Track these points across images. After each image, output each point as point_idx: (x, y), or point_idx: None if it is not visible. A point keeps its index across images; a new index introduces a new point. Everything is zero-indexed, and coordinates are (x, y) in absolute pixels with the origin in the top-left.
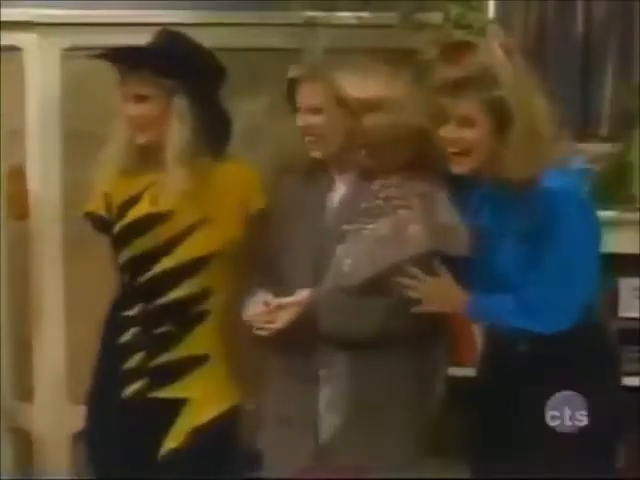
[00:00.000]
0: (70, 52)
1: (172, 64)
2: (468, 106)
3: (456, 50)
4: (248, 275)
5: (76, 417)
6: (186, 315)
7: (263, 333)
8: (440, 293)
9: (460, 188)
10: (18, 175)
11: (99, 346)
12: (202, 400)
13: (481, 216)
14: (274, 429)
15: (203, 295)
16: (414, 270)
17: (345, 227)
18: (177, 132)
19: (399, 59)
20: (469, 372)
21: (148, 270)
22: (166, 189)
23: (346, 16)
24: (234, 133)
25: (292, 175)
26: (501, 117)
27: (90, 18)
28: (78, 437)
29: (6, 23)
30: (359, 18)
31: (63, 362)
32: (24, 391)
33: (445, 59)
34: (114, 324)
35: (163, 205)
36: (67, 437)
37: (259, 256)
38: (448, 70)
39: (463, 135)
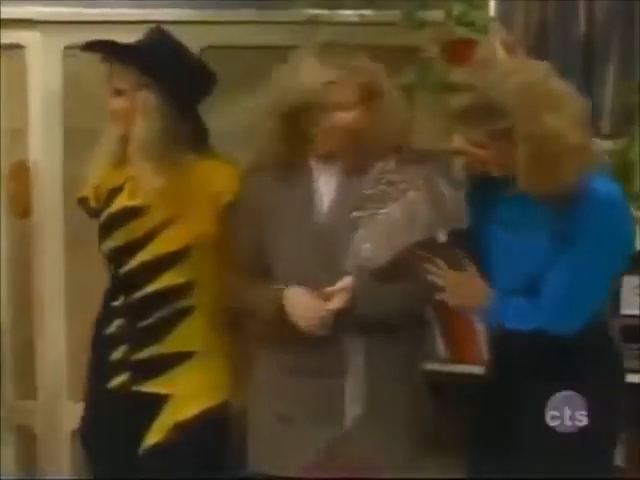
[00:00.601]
0: (72, 50)
1: (149, 61)
2: (477, 134)
3: (458, 48)
4: (232, 269)
5: (77, 415)
6: (170, 309)
7: (312, 326)
8: (465, 285)
9: (494, 183)
10: (20, 173)
11: (92, 338)
12: (186, 396)
13: (513, 212)
14: (276, 427)
15: (185, 289)
16: (439, 261)
17: (355, 214)
18: (140, 127)
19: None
20: (471, 369)
21: (127, 262)
22: (138, 184)
23: (348, 14)
24: (235, 131)
25: (268, 171)
26: (509, 142)
27: (92, 16)
28: (75, 433)
29: (8, 21)
30: (361, 16)
31: (65, 360)
32: (26, 389)
33: (447, 57)
34: (104, 315)
35: (139, 199)
36: (69, 435)
37: (249, 259)
38: (458, 100)
39: (477, 155)
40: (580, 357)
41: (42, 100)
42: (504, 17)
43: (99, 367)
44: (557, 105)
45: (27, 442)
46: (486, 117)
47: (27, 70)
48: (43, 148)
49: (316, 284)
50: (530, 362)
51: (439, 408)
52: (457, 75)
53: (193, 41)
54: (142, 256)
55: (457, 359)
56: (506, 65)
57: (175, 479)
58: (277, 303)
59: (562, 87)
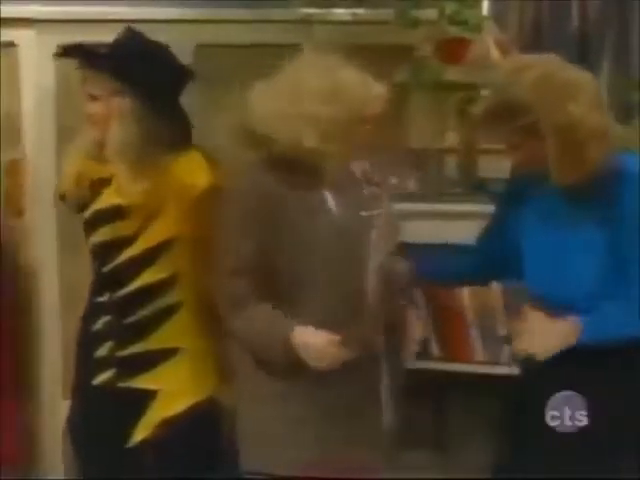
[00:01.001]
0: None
1: (122, 65)
2: (508, 133)
3: (451, 47)
4: (230, 277)
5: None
6: (155, 306)
7: (326, 366)
8: (549, 334)
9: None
10: (15, 171)
11: (78, 334)
12: (173, 392)
13: (556, 204)
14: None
15: (168, 285)
16: (517, 324)
17: (364, 214)
18: (116, 132)
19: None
20: (463, 368)
21: (113, 259)
22: (119, 186)
23: (342, 13)
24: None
25: (272, 171)
26: (538, 137)
27: (86, 15)
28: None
29: (2, 19)
30: (355, 15)
31: (60, 360)
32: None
33: (440, 56)
34: (90, 311)
35: (122, 199)
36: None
37: (251, 264)
38: (479, 105)
39: (516, 157)
40: (580, 356)
41: (35, 98)
42: (498, 16)
43: (85, 364)
44: (575, 92)
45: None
46: (510, 116)
47: (20, 68)
48: (36, 146)
49: (338, 284)
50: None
51: (434, 406)
52: (451, 74)
53: (186, 39)
54: (127, 253)
55: (450, 358)
56: (518, 62)
57: (163, 475)
58: (286, 345)
59: (576, 73)
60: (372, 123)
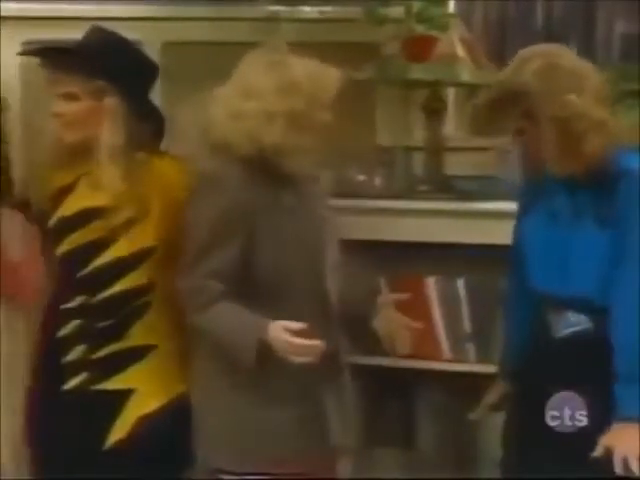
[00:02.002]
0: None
1: (102, 64)
2: (510, 120)
3: (418, 44)
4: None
5: None
6: (129, 308)
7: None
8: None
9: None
10: None
11: (36, 341)
12: (147, 390)
13: (560, 202)
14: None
15: (146, 288)
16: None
17: (321, 211)
18: (109, 132)
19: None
20: (430, 365)
21: (89, 263)
22: (102, 186)
23: (309, 10)
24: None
25: (238, 178)
26: (538, 122)
27: (51, 12)
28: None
29: None
30: (322, 12)
31: None
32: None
33: (407, 53)
34: (53, 318)
35: (99, 200)
36: None
37: (230, 267)
38: (482, 94)
39: (518, 143)
40: (580, 356)
41: None
42: (463, 14)
43: (51, 370)
44: (578, 84)
45: None
46: (514, 101)
47: None
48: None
49: (305, 283)
50: (531, 362)
51: (401, 403)
52: (418, 71)
53: (153, 37)
54: (104, 257)
55: (416, 355)
56: (523, 52)
57: (139, 475)
58: (260, 342)
59: (581, 64)
60: (330, 108)
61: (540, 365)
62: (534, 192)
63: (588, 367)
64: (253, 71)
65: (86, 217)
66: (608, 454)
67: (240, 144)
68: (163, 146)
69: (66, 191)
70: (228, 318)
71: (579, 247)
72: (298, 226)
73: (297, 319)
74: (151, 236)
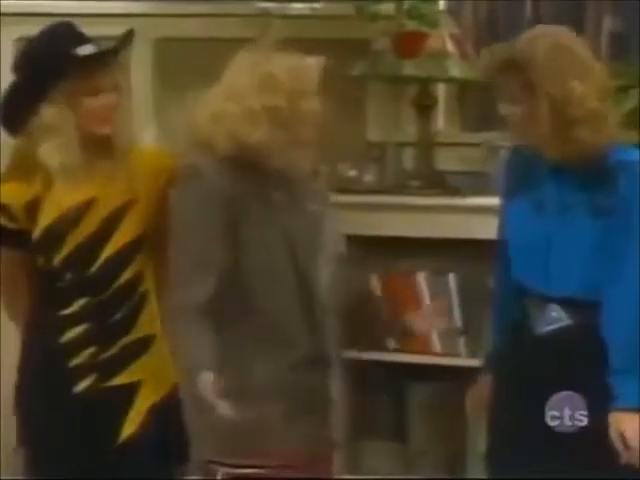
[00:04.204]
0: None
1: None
2: (508, 87)
3: (408, 40)
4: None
5: None
6: (134, 297)
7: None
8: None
9: (526, 164)
10: None
11: (27, 349)
12: (153, 380)
13: (552, 189)
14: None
15: (143, 276)
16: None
17: (314, 207)
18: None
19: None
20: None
21: (95, 260)
22: (117, 179)
23: (300, 7)
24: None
25: (223, 175)
26: (536, 97)
27: (44, 8)
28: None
29: None
30: (313, 9)
31: None
32: None
33: (398, 49)
34: (49, 325)
35: (86, 194)
36: None
37: (214, 260)
38: (494, 53)
39: (510, 111)
40: (580, 355)
41: None
42: (453, 11)
43: (55, 376)
44: (584, 72)
45: None
46: (517, 69)
47: None
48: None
49: (291, 280)
50: (530, 362)
51: (393, 397)
52: (407, 67)
53: (146, 33)
54: (106, 253)
55: (407, 349)
56: (540, 28)
57: (152, 466)
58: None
59: (591, 56)
60: (316, 98)
61: (522, 362)
62: (520, 178)
63: (569, 364)
64: (236, 72)
65: (76, 214)
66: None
67: (222, 145)
68: (152, 141)
69: (35, 204)
70: (192, 334)
71: (565, 238)
72: (286, 224)
73: (284, 317)
74: (142, 223)
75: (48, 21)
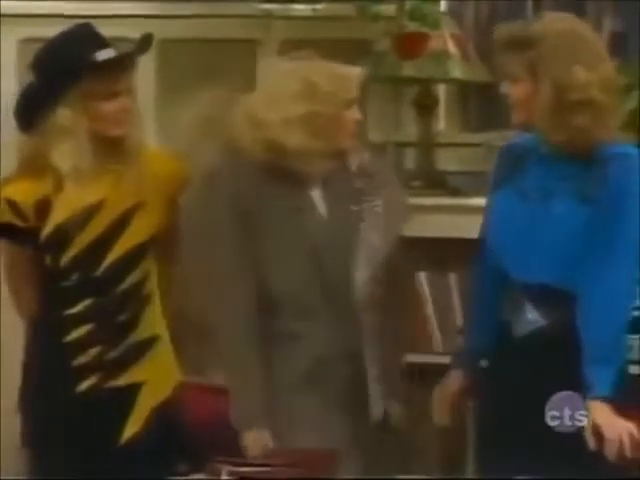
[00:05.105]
0: (27, 43)
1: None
2: (513, 64)
3: (410, 41)
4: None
5: None
6: (139, 299)
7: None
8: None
9: (516, 157)
10: None
11: (31, 348)
12: (156, 381)
13: (538, 177)
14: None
15: (148, 278)
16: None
17: (355, 208)
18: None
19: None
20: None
21: (101, 262)
22: (129, 181)
23: (302, 8)
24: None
25: (251, 170)
26: (539, 77)
27: (47, 9)
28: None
29: None
30: (315, 10)
31: None
32: None
33: (399, 50)
34: (52, 324)
35: (96, 195)
36: None
37: (238, 269)
38: (508, 28)
39: (511, 91)
40: (556, 355)
41: None
42: (454, 12)
43: (59, 375)
44: (590, 61)
45: None
46: (526, 46)
47: None
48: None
49: (324, 279)
50: (530, 362)
51: None
52: (408, 68)
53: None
54: (113, 255)
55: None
56: (556, 14)
57: (156, 466)
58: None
59: (602, 49)
60: (352, 109)
61: (503, 365)
62: (509, 170)
63: (547, 364)
64: (276, 78)
65: (86, 215)
66: (597, 433)
67: (259, 151)
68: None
69: (47, 200)
70: (249, 376)
71: (546, 223)
72: (312, 228)
73: (315, 321)
74: (152, 226)
75: (52, 22)
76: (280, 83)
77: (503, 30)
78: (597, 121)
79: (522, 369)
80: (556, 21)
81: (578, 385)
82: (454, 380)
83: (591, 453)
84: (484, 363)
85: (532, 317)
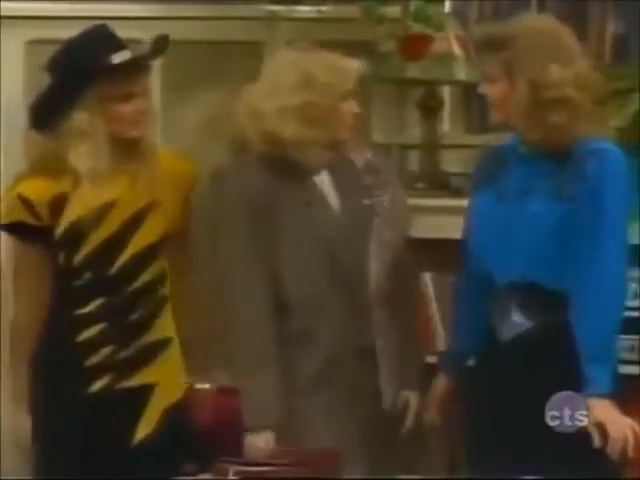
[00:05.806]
0: (34, 45)
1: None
2: (490, 64)
3: (414, 43)
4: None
5: None
6: (152, 299)
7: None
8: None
9: (496, 160)
10: None
11: (43, 348)
12: (168, 383)
13: (517, 177)
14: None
15: (163, 278)
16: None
17: (367, 202)
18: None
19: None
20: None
21: (114, 261)
22: (143, 179)
23: (307, 10)
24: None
25: (262, 167)
26: (515, 77)
27: (54, 11)
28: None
29: None
30: (320, 11)
31: None
32: None
33: (403, 52)
34: (64, 324)
35: (110, 194)
36: None
37: (252, 268)
38: (483, 28)
39: (488, 91)
40: (543, 356)
41: (2, 95)
42: (459, 12)
43: (71, 375)
44: (566, 59)
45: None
46: (501, 46)
47: None
48: (3, 144)
49: (336, 272)
50: (529, 361)
51: None
52: (413, 70)
53: (152, 36)
54: (126, 254)
55: None
56: (530, 15)
57: (167, 468)
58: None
59: (577, 48)
60: (349, 101)
61: (491, 368)
62: (488, 173)
63: (535, 366)
64: (274, 69)
65: (100, 214)
66: (600, 430)
67: (257, 142)
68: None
69: (62, 199)
70: (265, 379)
71: (524, 221)
72: (320, 217)
73: (328, 318)
74: (165, 225)
75: (59, 24)
76: (279, 74)
77: (480, 31)
78: (573, 118)
79: (509, 372)
80: (531, 21)
81: (566, 386)
82: (440, 383)
83: (580, 453)
84: (471, 365)
85: (518, 319)
